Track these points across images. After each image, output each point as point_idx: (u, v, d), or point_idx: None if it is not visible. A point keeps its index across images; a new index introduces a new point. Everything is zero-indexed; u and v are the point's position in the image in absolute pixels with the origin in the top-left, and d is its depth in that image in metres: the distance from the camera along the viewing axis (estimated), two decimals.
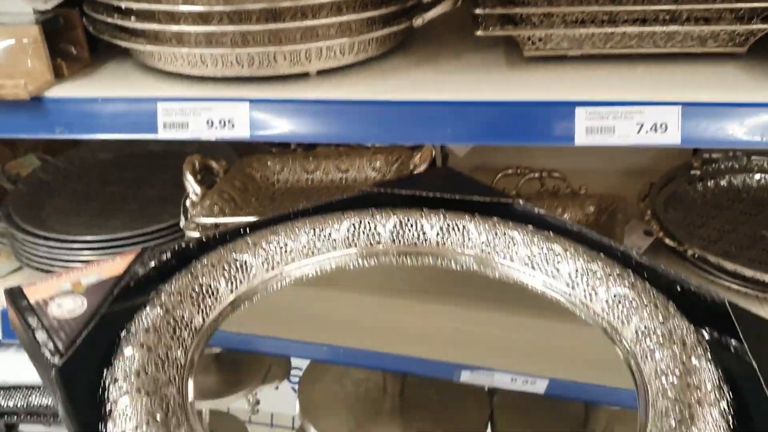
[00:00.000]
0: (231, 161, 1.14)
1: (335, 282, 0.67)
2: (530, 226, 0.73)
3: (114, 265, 0.66)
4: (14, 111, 0.97)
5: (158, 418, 0.52)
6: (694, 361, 0.55)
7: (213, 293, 0.64)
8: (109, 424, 0.53)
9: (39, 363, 0.60)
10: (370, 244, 0.73)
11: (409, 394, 0.50)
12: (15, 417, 1.21)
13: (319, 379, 0.50)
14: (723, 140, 0.87)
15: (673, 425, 0.50)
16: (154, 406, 0.52)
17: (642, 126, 0.88)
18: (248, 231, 0.71)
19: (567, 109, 0.89)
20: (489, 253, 0.72)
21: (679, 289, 0.66)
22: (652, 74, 0.94)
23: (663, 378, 0.55)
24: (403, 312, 0.63)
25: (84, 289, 0.64)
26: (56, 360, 0.57)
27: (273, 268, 0.68)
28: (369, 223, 0.73)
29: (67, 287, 0.64)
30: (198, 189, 0.99)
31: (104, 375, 0.56)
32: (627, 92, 0.89)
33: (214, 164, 1.07)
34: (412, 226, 0.73)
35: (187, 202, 1.00)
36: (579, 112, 0.89)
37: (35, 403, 1.18)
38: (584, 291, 0.66)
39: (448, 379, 0.60)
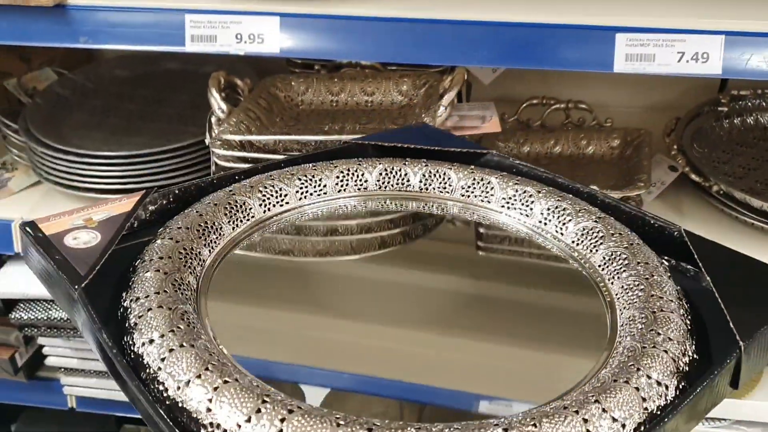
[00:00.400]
0: (254, 81, 1.12)
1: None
2: (505, 173, 0.78)
3: (122, 204, 0.69)
4: (37, 18, 0.95)
5: (181, 327, 0.54)
6: (656, 277, 0.62)
7: (217, 230, 0.68)
8: (135, 335, 0.55)
9: (59, 289, 0.62)
10: (358, 190, 0.77)
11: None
12: (34, 330, 1.22)
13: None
14: (765, 72, 0.85)
15: (641, 328, 0.57)
16: (176, 319, 0.55)
17: (683, 55, 0.86)
18: (244, 177, 0.75)
19: (607, 34, 0.87)
20: (468, 196, 0.77)
21: (640, 223, 0.72)
22: (694, 1, 0.92)
23: (629, 292, 0.62)
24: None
25: (96, 224, 0.66)
26: (79, 283, 0.59)
27: (269, 210, 0.73)
28: (357, 171, 0.77)
29: (79, 222, 0.66)
30: (224, 106, 0.98)
31: (124, 297, 0.59)
32: (669, 19, 0.87)
33: (239, 82, 1.05)
34: (396, 173, 0.78)
35: (213, 119, 0.99)
36: (619, 38, 0.86)
37: (55, 317, 1.19)
38: (555, 226, 0.72)
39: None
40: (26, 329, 1.22)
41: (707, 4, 0.91)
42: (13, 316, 1.21)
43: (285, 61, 1.22)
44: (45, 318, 1.19)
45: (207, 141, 0.98)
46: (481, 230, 0.78)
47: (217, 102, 0.98)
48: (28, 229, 0.66)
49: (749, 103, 1.29)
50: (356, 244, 0.76)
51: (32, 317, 1.20)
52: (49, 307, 1.20)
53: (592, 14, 0.89)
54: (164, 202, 0.71)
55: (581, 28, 0.87)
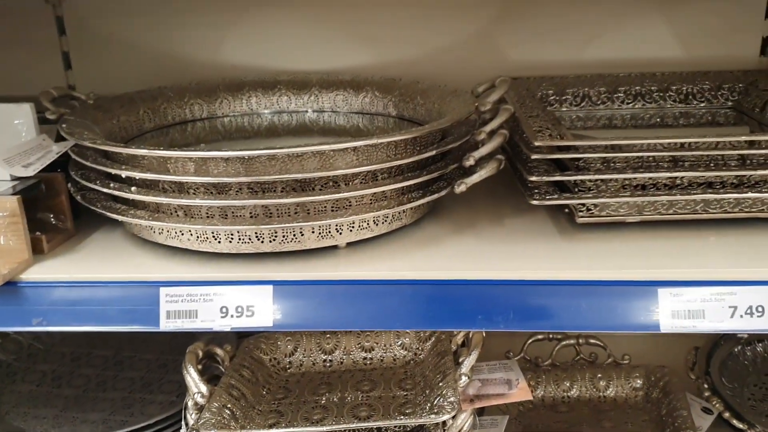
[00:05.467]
0: (232, 343, 0.98)
1: None
2: None
3: None
4: None
5: None
6: None
7: None
8: None
9: None
10: None
11: None
12: None
13: None
14: None
15: None
16: None
17: (735, 309, 0.76)
18: None
19: (648, 289, 0.77)
20: None
21: None
22: (729, 244, 0.83)
23: None
24: None
25: None
26: None
27: None
28: None
29: None
30: (204, 389, 0.83)
31: None
32: (712, 269, 0.78)
33: (219, 351, 0.91)
34: None
35: (190, 403, 0.83)
36: (662, 293, 0.76)
37: None
38: None
39: None
40: None
41: (744, 247, 0.82)
42: None
43: None
44: None
45: None
46: None
47: (195, 383, 0.83)
48: None
49: None
50: None
51: None
52: None
53: (626, 265, 0.80)
54: None
55: (617, 284, 0.77)
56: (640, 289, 0.77)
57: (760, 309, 0.76)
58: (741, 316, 0.76)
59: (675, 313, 0.76)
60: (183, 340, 0.93)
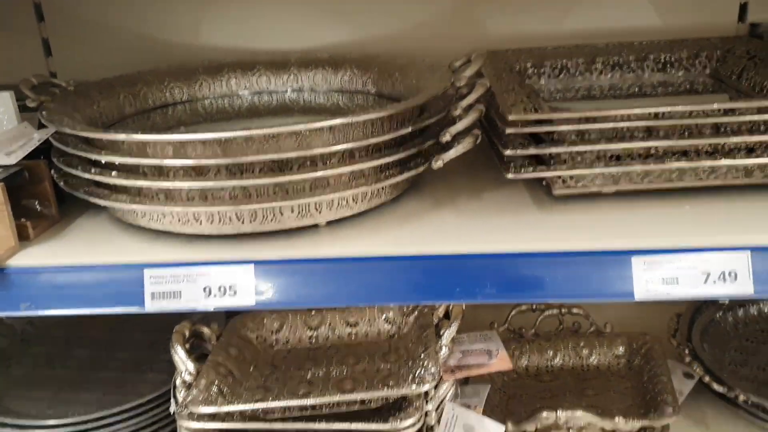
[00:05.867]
0: (220, 321, 1.00)
1: None
2: None
3: None
4: None
5: None
6: None
7: None
8: None
9: None
10: None
11: None
12: None
13: None
14: None
15: None
16: None
17: (708, 275, 0.78)
18: None
19: (621, 258, 0.78)
20: None
21: None
22: (702, 212, 0.85)
23: None
24: None
25: None
26: None
27: None
28: None
29: None
30: (192, 366, 0.84)
31: None
32: (685, 236, 0.79)
33: (206, 330, 0.92)
34: None
35: (178, 381, 0.85)
36: (636, 261, 0.78)
37: None
38: None
39: None
40: None
41: (717, 215, 0.84)
42: None
43: None
44: None
45: (172, 409, 0.84)
46: None
47: (183, 362, 0.85)
48: None
49: None
50: None
51: None
52: None
53: (600, 235, 0.81)
54: None
55: (592, 255, 0.79)
56: (614, 257, 0.79)
57: (732, 274, 0.78)
58: (714, 282, 0.78)
59: (648, 280, 0.78)
60: (173, 319, 0.94)
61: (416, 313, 0.98)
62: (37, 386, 1.06)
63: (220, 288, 0.80)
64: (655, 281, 0.78)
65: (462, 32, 1.22)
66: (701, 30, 1.20)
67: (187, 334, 0.89)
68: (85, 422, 0.95)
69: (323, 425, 0.78)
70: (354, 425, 0.79)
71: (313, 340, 1.00)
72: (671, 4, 1.21)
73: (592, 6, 1.20)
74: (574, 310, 1.16)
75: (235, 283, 0.80)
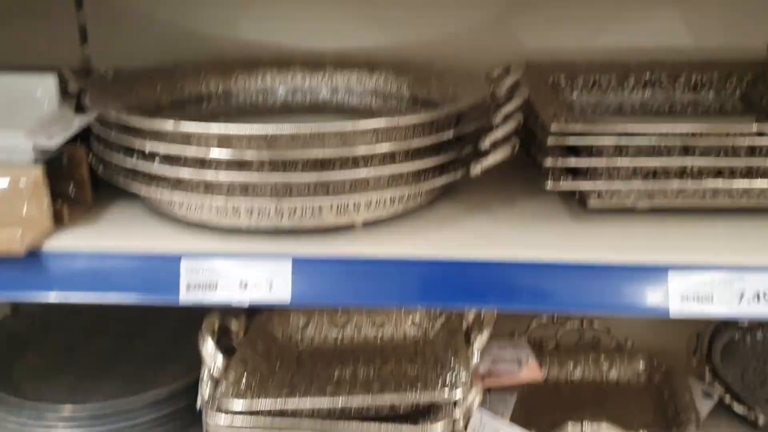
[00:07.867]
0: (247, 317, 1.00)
1: None
2: None
3: None
4: (4, 267, 0.82)
5: None
6: None
7: None
8: None
9: None
10: None
11: None
12: None
13: None
14: None
15: None
16: None
17: (743, 295, 0.78)
18: None
19: (658, 272, 0.79)
20: None
21: None
22: (734, 232, 0.85)
23: None
24: None
25: None
26: None
27: None
28: None
29: None
30: (221, 363, 0.84)
31: None
32: (720, 254, 0.80)
33: (233, 324, 0.92)
34: None
35: (205, 376, 0.84)
36: (672, 276, 0.78)
37: None
38: None
39: None
40: None
41: (750, 234, 0.84)
42: None
43: None
44: None
45: (199, 404, 0.83)
46: None
47: (212, 357, 0.85)
48: None
49: None
50: None
51: None
52: None
53: (636, 249, 0.81)
54: None
55: (629, 269, 0.79)
56: (650, 272, 0.79)
57: (767, 295, 0.78)
58: (749, 302, 0.78)
59: (684, 296, 0.78)
60: (196, 314, 0.94)
61: (443, 317, 0.98)
62: (56, 374, 1.06)
63: (256, 282, 0.80)
64: (690, 298, 0.78)
65: (495, 44, 1.22)
66: (732, 53, 1.20)
67: (216, 326, 0.89)
68: (104, 412, 0.95)
69: (355, 424, 0.78)
70: (384, 426, 0.79)
71: (339, 341, 1.00)
72: (703, 27, 1.21)
73: (626, 23, 1.21)
74: (595, 325, 1.16)
75: (272, 278, 0.80)
